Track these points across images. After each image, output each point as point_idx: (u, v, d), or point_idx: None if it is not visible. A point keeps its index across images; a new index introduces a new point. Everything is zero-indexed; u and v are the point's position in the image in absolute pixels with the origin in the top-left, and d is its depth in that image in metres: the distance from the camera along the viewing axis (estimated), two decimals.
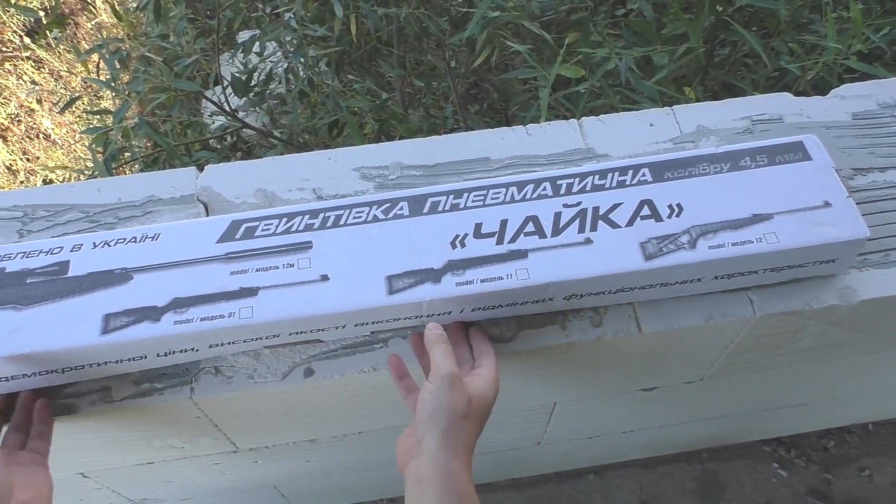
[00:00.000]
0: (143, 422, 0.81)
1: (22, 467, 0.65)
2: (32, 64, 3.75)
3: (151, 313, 0.69)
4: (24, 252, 0.74)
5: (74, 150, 3.54)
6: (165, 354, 0.73)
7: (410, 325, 0.77)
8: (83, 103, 3.42)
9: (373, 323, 0.75)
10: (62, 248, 0.75)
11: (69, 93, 3.56)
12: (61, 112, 2.85)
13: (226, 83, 1.79)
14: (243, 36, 2.14)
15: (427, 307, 0.72)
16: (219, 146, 2.00)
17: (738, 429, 1.38)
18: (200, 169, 0.92)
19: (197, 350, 0.73)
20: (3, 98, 3.60)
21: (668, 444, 1.41)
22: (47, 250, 0.75)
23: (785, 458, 1.47)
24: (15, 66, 3.70)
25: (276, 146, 2.00)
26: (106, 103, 3.46)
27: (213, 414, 0.82)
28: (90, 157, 3.45)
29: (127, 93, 1.36)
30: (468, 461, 0.64)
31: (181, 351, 0.72)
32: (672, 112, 0.97)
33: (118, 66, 1.46)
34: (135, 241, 0.76)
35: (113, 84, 1.34)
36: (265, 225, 0.77)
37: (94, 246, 0.75)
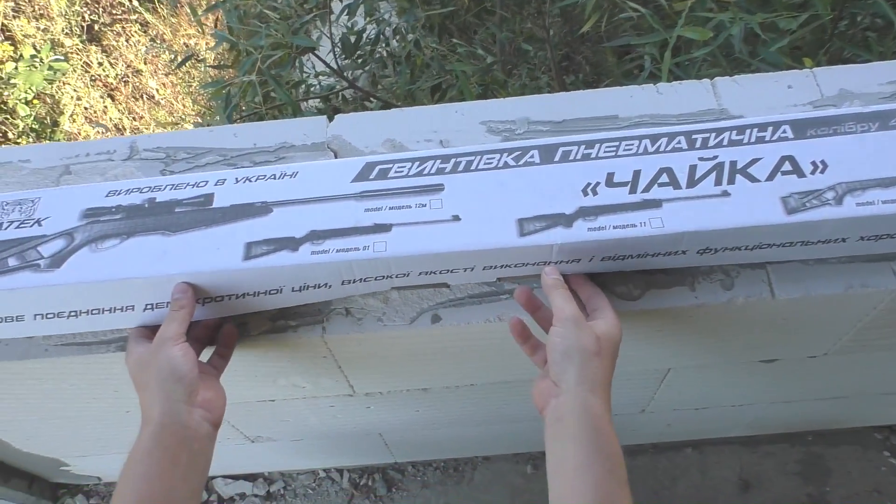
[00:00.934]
0: (274, 358, 0.84)
1: (203, 374, 0.70)
2: (139, 27, 3.90)
3: (290, 243, 0.72)
4: (173, 185, 0.79)
5: (176, 111, 3.68)
6: (300, 290, 0.75)
7: (537, 274, 0.76)
8: (189, 66, 3.54)
9: (501, 266, 0.75)
10: (207, 182, 0.79)
11: (173, 55, 3.70)
12: (175, 69, 2.95)
13: (332, 44, 1.82)
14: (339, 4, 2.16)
15: (557, 252, 0.72)
16: (322, 106, 2.03)
17: (851, 412, 1.33)
18: (330, 118, 0.94)
19: (329, 287, 0.75)
20: (112, 59, 3.77)
21: (774, 423, 1.37)
22: (193, 183, 0.79)
23: None
24: (124, 28, 3.85)
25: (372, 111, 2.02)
26: (207, 64, 3.58)
27: (339, 354, 0.85)
28: (192, 116, 3.59)
29: (247, 49, 1.40)
30: (606, 398, 0.65)
31: (315, 286, 0.74)
32: (812, 74, 0.93)
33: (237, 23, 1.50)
34: (274, 178, 0.79)
35: (232, 38, 1.37)
36: (398, 167, 0.78)
37: (237, 181, 0.79)
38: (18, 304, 0.73)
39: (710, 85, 0.93)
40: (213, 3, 1.44)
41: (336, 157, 0.90)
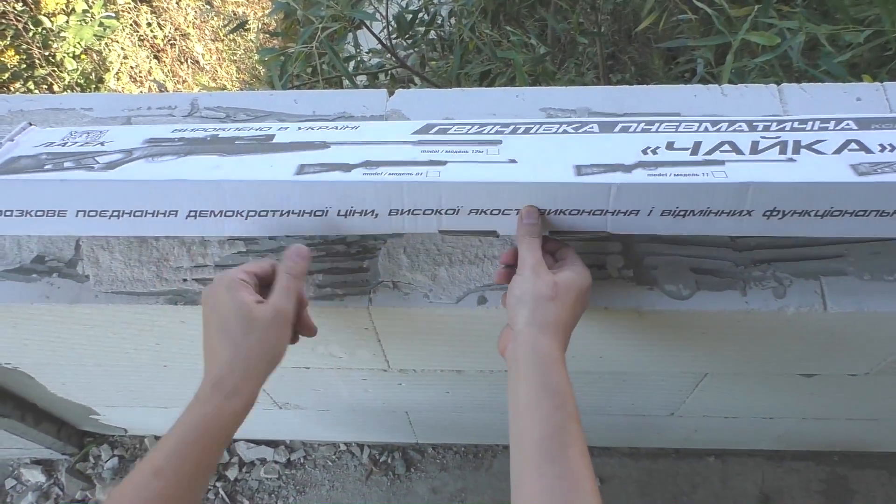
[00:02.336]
0: (317, 324, 0.85)
1: None
2: None
3: (343, 167, 0.73)
4: (237, 127, 0.83)
5: (219, 77, 3.71)
6: (345, 215, 0.74)
7: (592, 227, 0.73)
8: (236, 34, 3.56)
9: (555, 212, 0.72)
10: (270, 127, 0.82)
11: (222, 21, 3.73)
12: (227, 35, 2.96)
13: (387, 22, 1.81)
14: None
15: (615, 196, 0.70)
16: (369, 83, 2.03)
17: (881, 436, 1.31)
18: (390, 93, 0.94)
19: (376, 216, 0.74)
20: (161, 20, 3.80)
21: (802, 440, 1.35)
22: (257, 128, 0.82)
23: None
24: None
25: None
26: (254, 33, 3.60)
27: (381, 328, 0.85)
28: (236, 83, 3.61)
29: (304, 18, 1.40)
30: (558, 337, 0.65)
31: (361, 213, 0.74)
32: (882, 88, 0.91)
33: None
34: (336, 128, 0.82)
35: (294, 5, 1.38)
36: (458, 127, 0.81)
37: (299, 128, 0.82)
38: (63, 198, 0.73)
39: (776, 90, 0.91)
40: None
41: None
